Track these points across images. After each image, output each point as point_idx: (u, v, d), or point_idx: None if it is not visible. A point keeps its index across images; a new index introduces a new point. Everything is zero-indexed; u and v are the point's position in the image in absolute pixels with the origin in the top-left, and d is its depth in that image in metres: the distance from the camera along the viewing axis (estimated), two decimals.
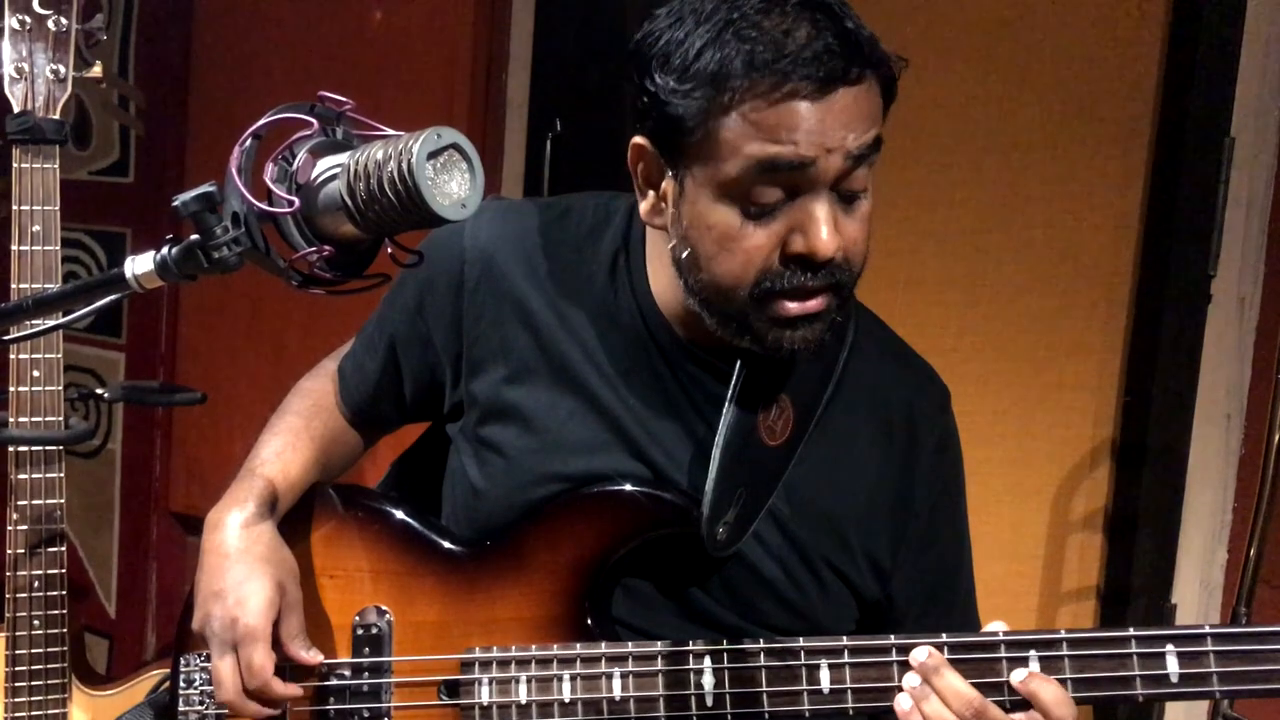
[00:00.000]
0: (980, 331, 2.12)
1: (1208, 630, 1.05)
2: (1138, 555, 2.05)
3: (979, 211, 2.12)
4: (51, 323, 0.96)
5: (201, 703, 1.28)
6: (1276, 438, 1.68)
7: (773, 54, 1.03)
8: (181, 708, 1.29)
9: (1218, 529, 1.99)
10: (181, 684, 1.29)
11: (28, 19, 1.66)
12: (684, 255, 1.13)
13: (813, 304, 1.09)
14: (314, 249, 0.84)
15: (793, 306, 1.09)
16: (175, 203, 0.83)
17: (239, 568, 1.17)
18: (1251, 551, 1.70)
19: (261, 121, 0.85)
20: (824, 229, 1.05)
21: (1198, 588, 2.00)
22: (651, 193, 1.16)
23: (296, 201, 0.84)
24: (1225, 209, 1.94)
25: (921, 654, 1.08)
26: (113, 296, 0.90)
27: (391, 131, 0.85)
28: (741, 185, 1.06)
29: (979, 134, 2.11)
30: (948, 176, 2.12)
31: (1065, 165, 2.07)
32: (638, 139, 1.14)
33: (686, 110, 1.06)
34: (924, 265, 2.14)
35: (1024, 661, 1.07)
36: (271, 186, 0.84)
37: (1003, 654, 1.07)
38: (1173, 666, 1.05)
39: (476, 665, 1.20)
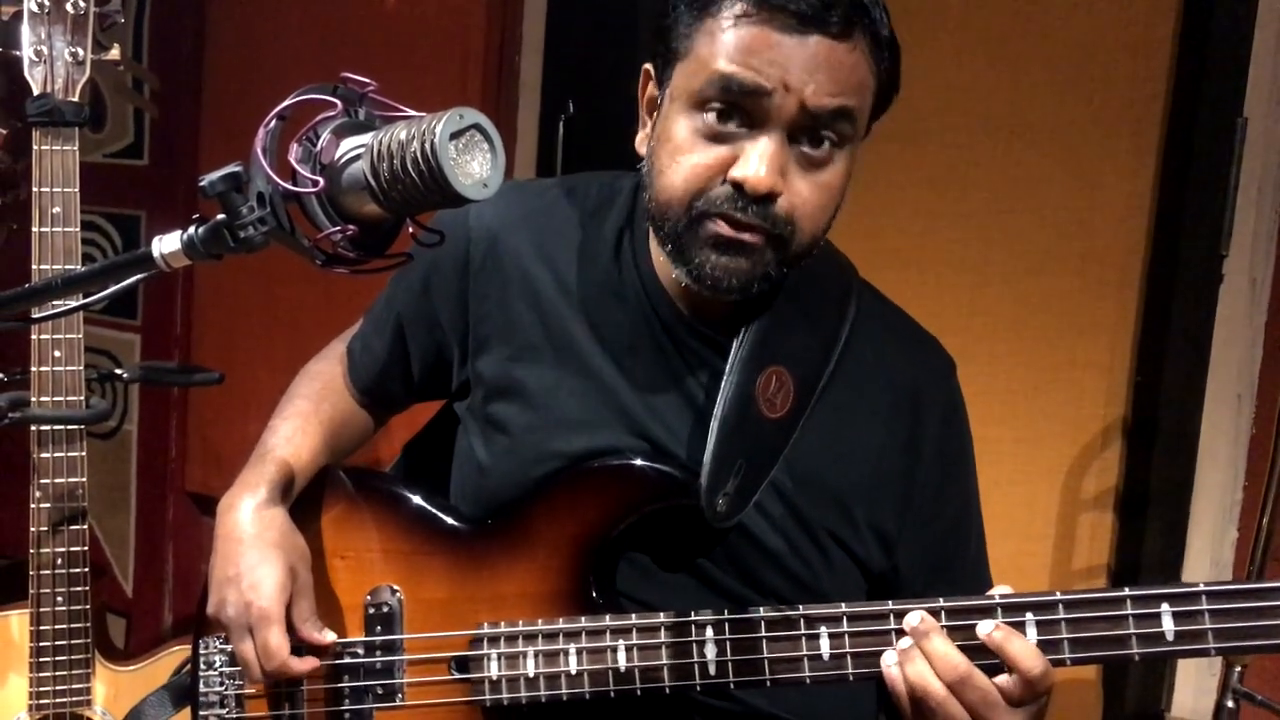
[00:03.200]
0: (992, 312, 2.13)
1: (1202, 588, 1.05)
2: (1149, 534, 2.05)
3: (991, 192, 2.12)
4: (77, 302, 0.97)
5: (221, 684, 1.31)
6: None
7: None
8: (202, 689, 1.31)
9: (1228, 508, 2.00)
10: (201, 666, 1.32)
11: (47, 2, 1.67)
12: (646, 169, 1.17)
13: (745, 235, 1.10)
14: (338, 228, 0.85)
15: (725, 228, 1.10)
16: (202, 183, 0.84)
17: (252, 553, 1.19)
18: (1262, 530, 1.71)
19: (286, 102, 0.86)
20: (761, 164, 1.07)
21: (1208, 566, 2.01)
22: (649, 122, 1.20)
23: (321, 181, 0.84)
24: (1237, 190, 1.93)
25: (914, 619, 1.09)
26: (140, 276, 0.91)
27: (414, 112, 0.86)
28: (704, 102, 1.09)
29: (991, 115, 2.10)
30: (960, 157, 2.12)
31: (1077, 146, 2.06)
32: (647, 65, 1.20)
33: (678, 18, 1.12)
34: (936, 246, 2.15)
35: (1021, 624, 1.07)
36: (296, 167, 0.85)
37: (999, 618, 1.08)
38: (1168, 625, 1.05)
39: (485, 641, 1.22)
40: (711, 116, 1.09)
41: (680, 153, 1.11)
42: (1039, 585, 2.14)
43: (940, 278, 2.14)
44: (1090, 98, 2.05)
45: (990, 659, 1.06)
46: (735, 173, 1.08)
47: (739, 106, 1.08)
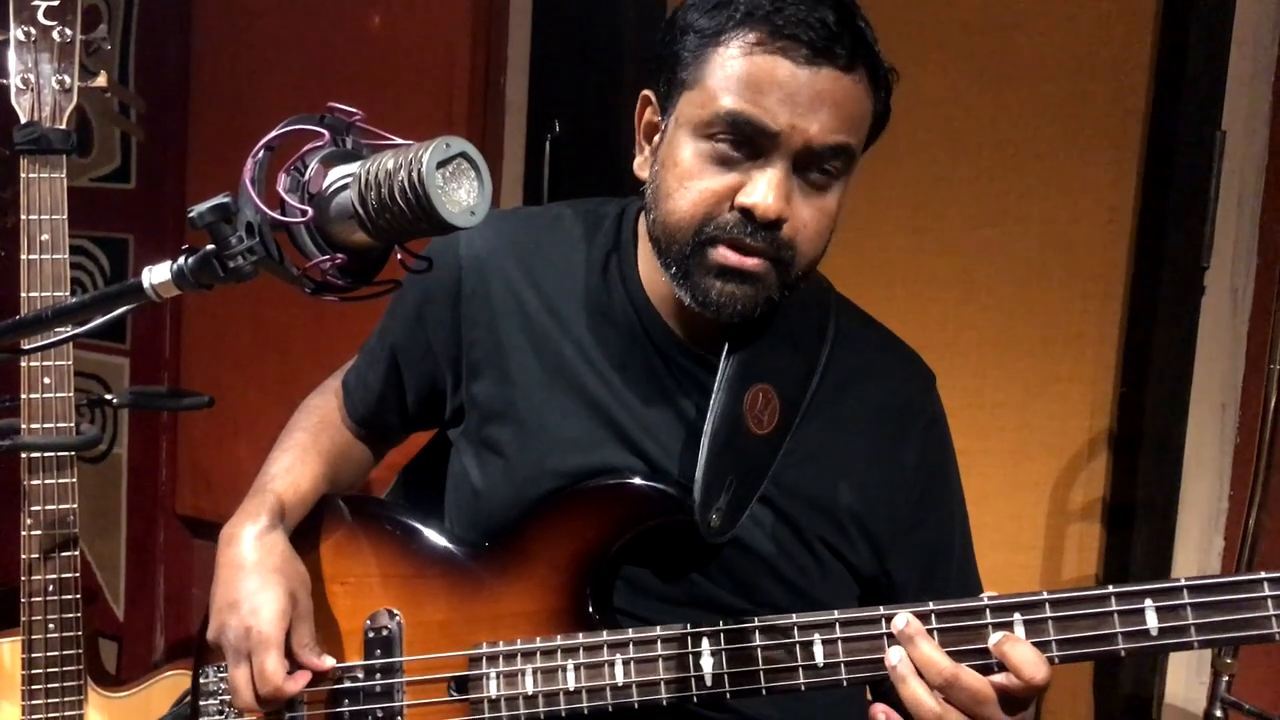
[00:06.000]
0: (977, 326, 2.14)
1: (1184, 583, 1.07)
2: (1136, 544, 2.07)
3: (974, 207, 2.14)
4: (69, 332, 0.97)
5: (222, 713, 1.31)
6: (1269, 426, 1.71)
7: (772, 8, 1.09)
8: (202, 718, 1.31)
9: (1214, 517, 2.01)
10: (202, 695, 1.32)
11: (33, 30, 1.67)
12: (650, 192, 1.19)
13: (750, 261, 1.13)
14: (327, 257, 0.86)
15: (730, 256, 1.13)
16: (191, 214, 0.84)
17: (253, 579, 1.20)
18: (1246, 538, 1.72)
19: (274, 133, 0.86)
20: (770, 192, 1.10)
21: (1194, 575, 2.02)
22: (646, 147, 1.23)
23: (309, 211, 0.85)
24: (1217, 202, 1.95)
25: (900, 622, 1.10)
26: (130, 306, 0.92)
27: (401, 141, 0.87)
28: (711, 132, 1.12)
29: (974, 130, 2.12)
30: (942, 173, 2.14)
31: (1059, 160, 2.08)
32: (646, 90, 1.22)
33: (684, 49, 1.14)
34: (920, 261, 2.16)
35: (1009, 625, 1.08)
36: (285, 196, 0.85)
37: (988, 619, 1.09)
38: (1152, 621, 1.06)
39: (484, 660, 1.23)
40: (720, 144, 1.12)
41: (689, 178, 1.13)
42: None
43: (925, 293, 2.15)
44: (1071, 114, 2.07)
45: (983, 659, 1.07)
46: (744, 199, 1.11)
47: (747, 138, 1.11)
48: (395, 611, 1.27)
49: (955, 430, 1.36)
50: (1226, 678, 1.78)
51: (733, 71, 1.10)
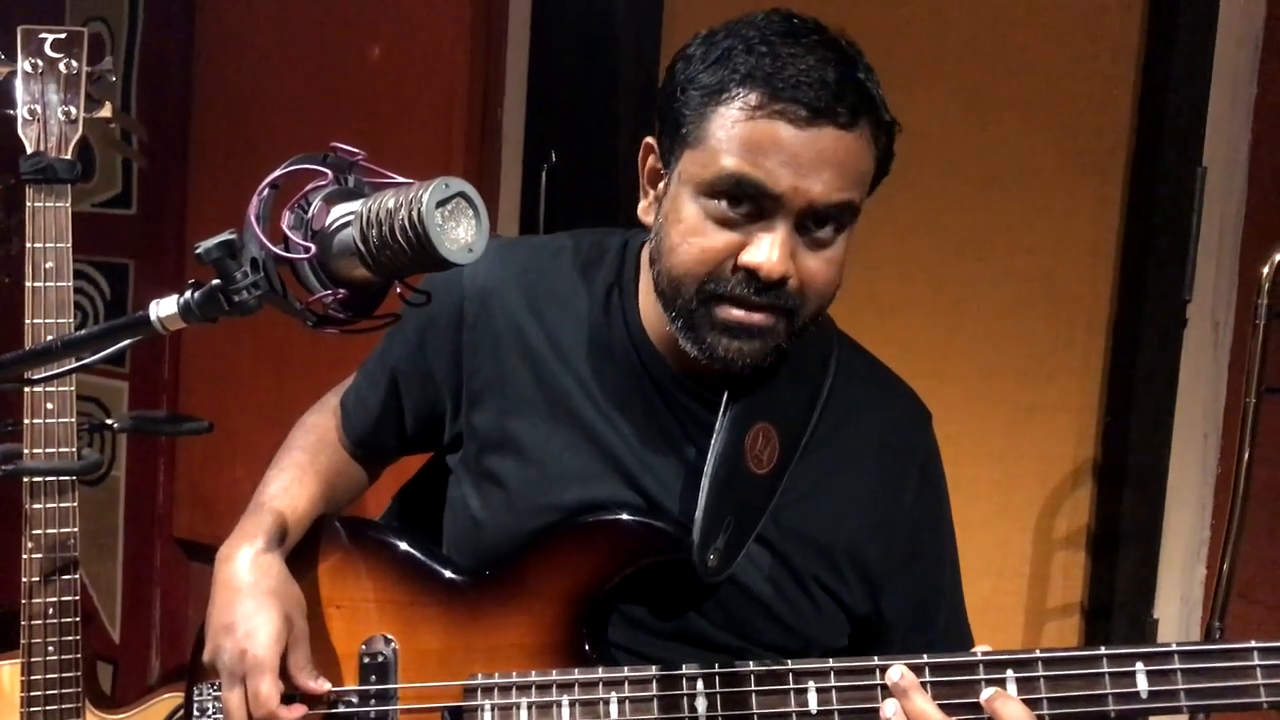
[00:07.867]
0: (963, 356, 2.16)
1: (1175, 648, 1.09)
2: (1120, 572, 2.09)
3: (962, 239, 2.16)
4: (75, 364, 1.00)
5: None
6: (1247, 457, 1.73)
7: (773, 69, 1.08)
8: None
9: (1197, 545, 2.03)
10: (195, 713, 1.32)
11: (40, 62, 1.69)
12: (655, 242, 1.19)
13: (756, 317, 1.13)
14: (329, 292, 0.88)
15: (735, 313, 1.13)
16: (198, 250, 0.86)
17: (248, 601, 1.19)
18: (1225, 567, 1.74)
19: (279, 171, 0.89)
20: (773, 251, 1.10)
21: (1178, 603, 2.04)
22: (650, 192, 1.23)
23: (312, 248, 0.87)
24: (1199, 236, 1.99)
25: (894, 674, 1.11)
26: (136, 338, 0.94)
27: (402, 179, 0.89)
28: (713, 192, 1.12)
29: (961, 164, 2.15)
30: (931, 205, 2.16)
31: (1044, 194, 2.12)
32: (649, 138, 1.22)
33: (687, 105, 1.13)
34: (908, 291, 2.18)
35: (1001, 681, 1.10)
36: (288, 233, 0.87)
37: (981, 674, 1.11)
38: (1142, 684, 1.09)
39: (479, 691, 1.23)
40: (723, 204, 1.11)
41: (692, 234, 1.13)
42: (1014, 624, 2.17)
43: (912, 323, 2.17)
44: (1057, 148, 2.10)
45: (975, 713, 1.09)
46: (748, 259, 1.11)
47: (750, 199, 1.11)
48: (390, 637, 1.28)
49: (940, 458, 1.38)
50: None
51: (734, 133, 1.09)
